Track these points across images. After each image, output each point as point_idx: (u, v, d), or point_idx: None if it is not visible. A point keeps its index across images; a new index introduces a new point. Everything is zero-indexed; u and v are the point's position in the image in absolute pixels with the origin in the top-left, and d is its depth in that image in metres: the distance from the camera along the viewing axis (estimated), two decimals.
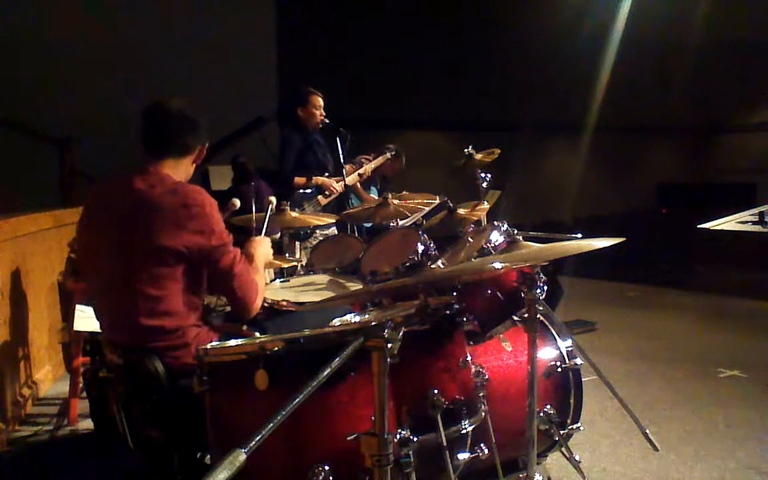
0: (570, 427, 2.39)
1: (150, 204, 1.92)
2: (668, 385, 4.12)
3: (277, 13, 10.41)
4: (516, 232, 2.23)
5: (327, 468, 1.53)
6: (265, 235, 2.46)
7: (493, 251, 2.23)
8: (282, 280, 2.78)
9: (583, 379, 2.43)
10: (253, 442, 1.00)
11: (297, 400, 1.11)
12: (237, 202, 2.80)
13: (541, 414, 2.29)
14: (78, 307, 3.49)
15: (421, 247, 2.46)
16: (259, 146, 7.02)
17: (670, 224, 12.87)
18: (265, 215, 2.67)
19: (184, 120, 2.10)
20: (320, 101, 4.36)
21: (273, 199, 2.78)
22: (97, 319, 2.11)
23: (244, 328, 2.27)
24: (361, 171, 4.74)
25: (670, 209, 14.33)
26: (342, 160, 4.30)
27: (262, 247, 2.33)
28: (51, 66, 7.86)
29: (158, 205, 1.92)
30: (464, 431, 1.83)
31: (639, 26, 12.26)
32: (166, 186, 1.96)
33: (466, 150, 3.28)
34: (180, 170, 2.10)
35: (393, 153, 5.12)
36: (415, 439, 1.67)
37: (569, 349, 2.43)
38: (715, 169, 16.12)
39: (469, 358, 1.94)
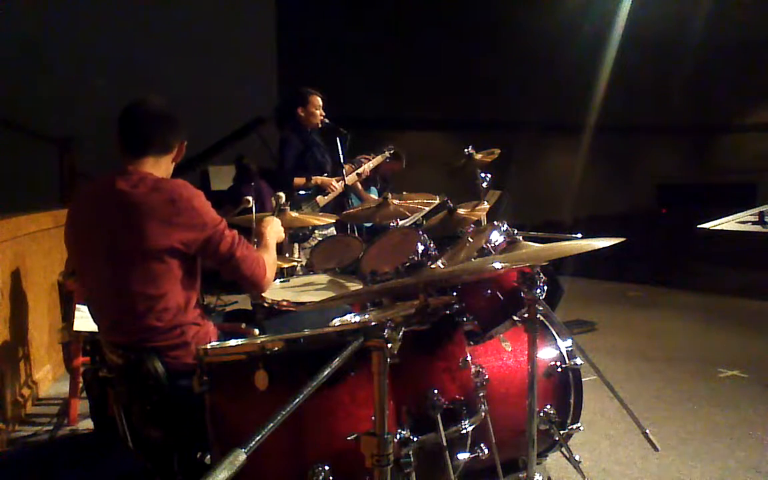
0: (570, 427, 2.39)
1: (135, 204, 1.90)
2: (668, 385, 4.12)
3: (277, 13, 10.41)
4: (516, 232, 2.23)
5: (327, 468, 1.53)
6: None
7: (493, 251, 2.23)
8: (282, 280, 2.78)
9: (583, 379, 2.43)
10: (253, 442, 1.00)
11: (297, 400, 1.11)
12: (250, 199, 2.82)
13: (541, 414, 2.29)
14: (78, 307, 3.49)
15: (421, 247, 2.46)
16: (259, 146, 7.04)
17: (670, 224, 12.88)
18: (276, 206, 2.72)
19: (163, 117, 2.08)
20: (320, 101, 4.36)
21: (282, 194, 2.80)
22: (94, 321, 2.10)
23: (243, 326, 2.27)
24: (359, 171, 4.73)
25: (670, 209, 14.34)
26: (342, 160, 4.30)
27: (273, 226, 2.35)
28: (51, 66, 7.87)
29: (143, 204, 1.90)
30: (464, 431, 1.83)
31: (639, 26, 12.27)
32: (149, 184, 1.94)
33: (466, 150, 3.27)
34: (161, 168, 2.07)
35: (391, 153, 5.12)
36: (415, 439, 1.67)
37: (569, 349, 2.43)
38: (715, 169, 16.13)
39: (469, 358, 1.94)
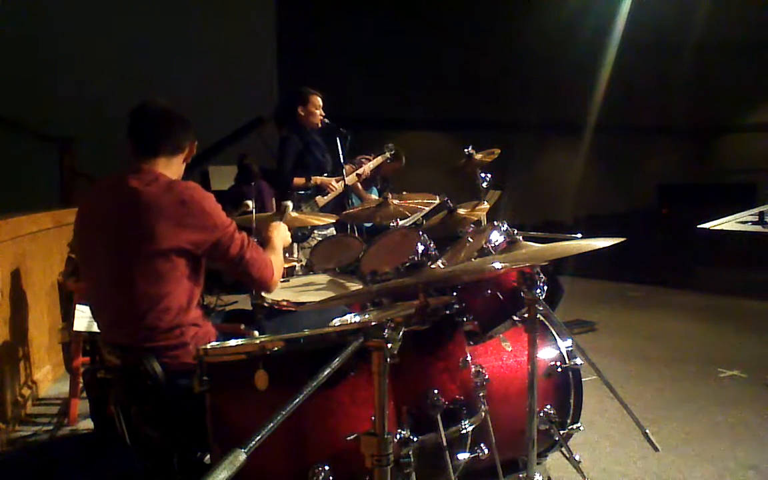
0: (570, 427, 2.39)
1: (147, 203, 1.92)
2: (668, 385, 4.12)
3: (277, 14, 10.41)
4: (516, 232, 2.23)
5: (327, 468, 1.53)
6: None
7: (493, 251, 2.22)
8: (282, 280, 2.78)
9: (583, 379, 2.43)
10: (253, 442, 1.00)
11: (297, 400, 1.11)
12: (250, 204, 2.84)
13: (541, 414, 2.29)
14: (78, 307, 3.49)
15: (421, 247, 2.46)
16: (260, 146, 7.03)
17: (670, 224, 12.87)
18: (283, 212, 2.76)
19: (175, 118, 2.11)
20: (320, 101, 4.35)
21: (289, 203, 2.82)
22: (95, 319, 2.10)
23: (242, 327, 2.28)
24: (359, 171, 4.73)
25: (670, 209, 14.33)
26: (342, 160, 4.29)
27: (279, 230, 2.41)
28: (51, 66, 7.86)
29: (155, 203, 1.91)
30: (464, 431, 1.83)
31: (639, 26, 12.26)
32: (161, 184, 1.96)
33: (466, 150, 3.27)
34: (173, 168, 2.10)
35: (392, 153, 5.12)
36: (415, 439, 1.67)
37: (569, 349, 2.43)
38: (715, 169, 16.13)
39: (469, 358, 1.94)
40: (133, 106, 2.10)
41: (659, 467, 2.98)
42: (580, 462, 2.35)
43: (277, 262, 2.21)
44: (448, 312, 1.92)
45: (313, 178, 4.29)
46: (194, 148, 2.18)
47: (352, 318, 2.13)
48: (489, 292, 2.11)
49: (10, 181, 6.57)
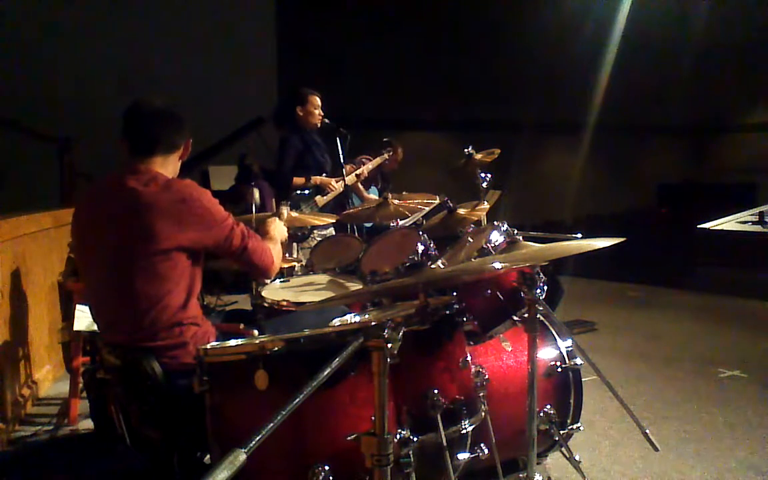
0: (570, 427, 2.39)
1: (146, 203, 1.92)
2: (668, 385, 4.12)
3: (277, 13, 10.41)
4: (516, 232, 2.23)
5: (327, 468, 1.53)
6: None
7: (493, 251, 2.22)
8: (282, 280, 2.78)
9: (583, 379, 2.43)
10: (253, 442, 1.00)
11: (297, 400, 1.11)
12: (256, 192, 2.87)
13: (541, 414, 2.29)
14: (78, 307, 3.49)
15: (421, 247, 2.46)
16: (260, 146, 7.04)
17: (670, 224, 12.87)
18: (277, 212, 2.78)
19: (170, 117, 2.11)
20: (318, 101, 4.35)
21: (284, 208, 2.83)
22: (94, 320, 2.10)
23: (242, 327, 2.28)
24: (358, 172, 4.74)
25: (670, 209, 14.33)
26: (342, 160, 4.30)
27: (276, 225, 2.48)
28: (51, 66, 7.86)
29: (154, 203, 1.92)
30: (464, 431, 1.84)
31: (639, 26, 12.26)
32: (160, 184, 1.97)
33: (466, 150, 3.27)
34: (169, 167, 2.10)
35: (389, 151, 5.13)
36: (415, 439, 1.67)
37: (569, 349, 2.43)
38: (715, 169, 16.11)
39: (469, 358, 1.94)
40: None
41: (659, 467, 2.98)
42: (580, 462, 2.36)
43: (275, 249, 2.28)
44: (448, 312, 1.93)
45: (312, 178, 4.29)
46: (189, 145, 2.18)
47: (352, 318, 2.13)
48: (489, 292, 2.11)
49: (10, 181, 6.58)
